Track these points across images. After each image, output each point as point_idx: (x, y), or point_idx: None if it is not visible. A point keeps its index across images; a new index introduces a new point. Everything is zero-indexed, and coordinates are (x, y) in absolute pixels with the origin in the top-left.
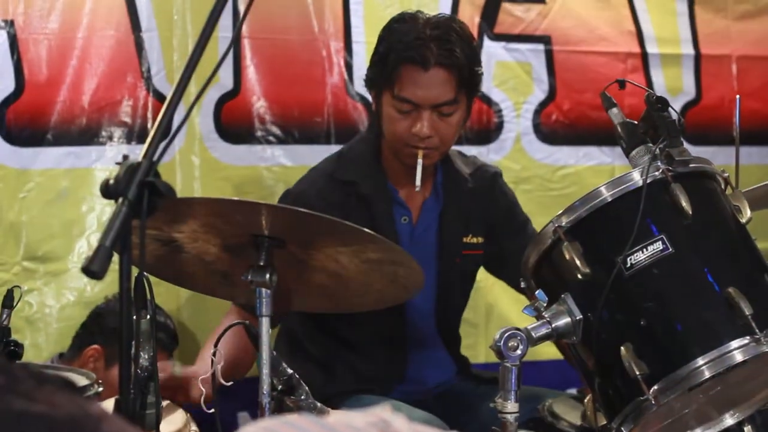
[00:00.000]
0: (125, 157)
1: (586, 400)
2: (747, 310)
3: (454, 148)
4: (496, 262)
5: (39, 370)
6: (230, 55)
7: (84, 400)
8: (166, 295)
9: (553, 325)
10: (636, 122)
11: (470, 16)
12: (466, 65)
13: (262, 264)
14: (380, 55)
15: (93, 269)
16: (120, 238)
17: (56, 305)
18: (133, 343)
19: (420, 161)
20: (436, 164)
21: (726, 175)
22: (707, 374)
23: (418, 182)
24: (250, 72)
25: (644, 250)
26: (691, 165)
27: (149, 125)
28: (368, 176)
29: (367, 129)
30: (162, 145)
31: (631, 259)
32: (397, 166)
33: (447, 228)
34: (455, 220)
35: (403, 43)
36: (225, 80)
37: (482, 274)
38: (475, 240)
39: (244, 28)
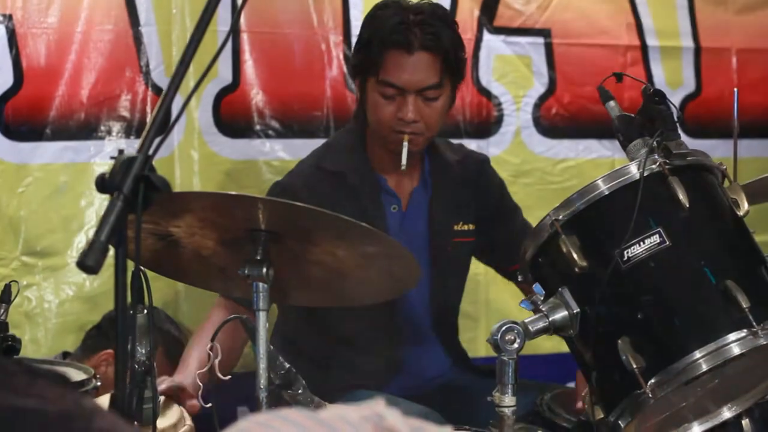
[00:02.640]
0: (121, 152)
1: (583, 394)
2: (744, 303)
3: (449, 139)
4: (486, 249)
5: (32, 365)
6: (229, 49)
7: (77, 395)
8: (164, 289)
9: (551, 319)
10: (633, 115)
11: (470, 9)
12: (451, 49)
13: (258, 258)
14: (364, 42)
15: (88, 264)
16: (115, 232)
17: (55, 300)
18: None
19: (406, 144)
20: (422, 152)
21: (723, 167)
22: (704, 367)
23: (404, 161)
24: (249, 66)
25: (641, 243)
26: (688, 158)
27: (148, 120)
28: (355, 166)
29: (352, 119)
30: (158, 139)
31: (628, 253)
32: (384, 154)
33: (437, 216)
34: (445, 208)
35: (387, 28)
36: (224, 74)
37: (482, 267)
38: (466, 227)
39: (243, 22)
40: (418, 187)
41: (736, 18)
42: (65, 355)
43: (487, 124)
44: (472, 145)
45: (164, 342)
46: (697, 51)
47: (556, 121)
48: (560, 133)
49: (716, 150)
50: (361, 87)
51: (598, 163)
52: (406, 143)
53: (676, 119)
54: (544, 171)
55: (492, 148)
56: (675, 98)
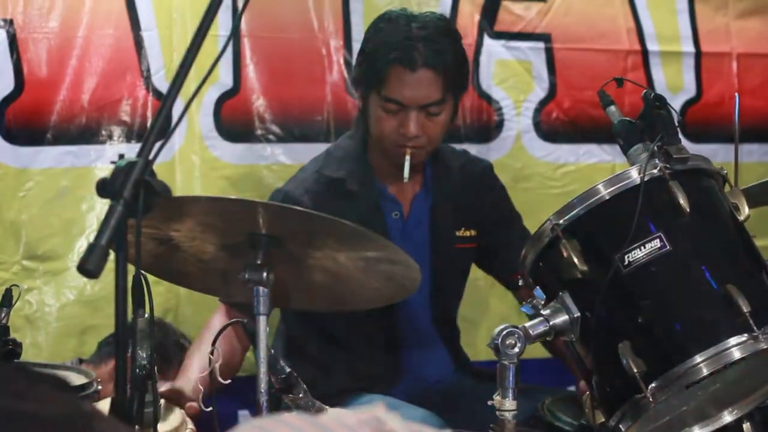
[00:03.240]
0: (121, 156)
1: (584, 398)
2: (745, 308)
3: (451, 144)
4: (486, 257)
5: (33, 369)
6: (230, 54)
7: (77, 399)
8: (165, 294)
9: (551, 323)
10: (634, 120)
11: (470, 14)
12: (454, 65)
13: (259, 263)
14: (366, 55)
15: (88, 268)
16: (115, 236)
17: (56, 304)
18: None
19: (408, 158)
20: (425, 159)
21: (724, 172)
22: (705, 372)
23: (406, 174)
24: (250, 70)
25: (642, 247)
26: (689, 162)
27: (149, 124)
28: (356, 173)
29: (354, 126)
30: (158, 143)
31: (628, 257)
32: (385, 161)
33: (439, 222)
34: (447, 214)
35: (390, 44)
36: (225, 79)
37: (481, 271)
38: (467, 234)
39: (244, 27)
40: (419, 193)
41: (736, 22)
42: (80, 361)
43: (488, 129)
44: (472, 149)
45: (180, 356)
46: (698, 55)
47: (557, 125)
48: (560, 137)
49: (717, 155)
50: (364, 98)
51: (598, 167)
52: (408, 157)
53: (676, 124)
54: (544, 175)
55: (492, 152)
56: (675, 103)
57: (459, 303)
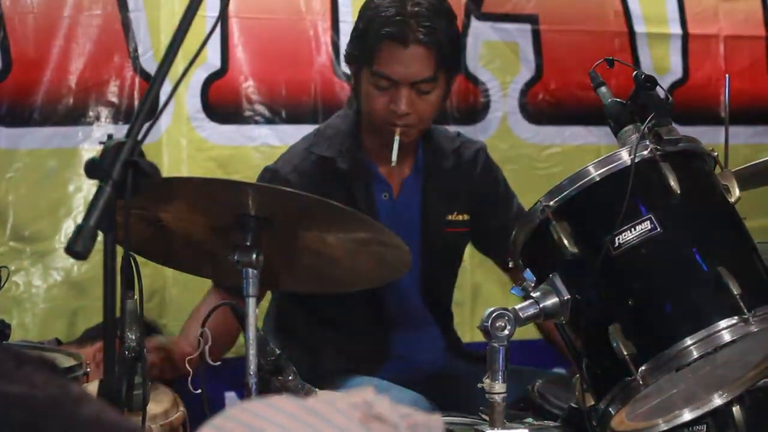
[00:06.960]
0: (110, 137)
1: (574, 381)
2: (735, 290)
3: (438, 125)
4: (483, 239)
5: (20, 350)
6: (218, 35)
7: (64, 380)
8: (153, 275)
9: (541, 305)
10: (624, 101)
11: None
12: (447, 43)
13: (248, 244)
14: (360, 31)
15: (76, 249)
16: (104, 218)
17: (43, 285)
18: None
19: (397, 138)
20: (417, 141)
21: (715, 154)
22: (695, 354)
23: (394, 158)
24: (238, 51)
25: (632, 229)
26: (679, 144)
27: (136, 105)
28: (346, 152)
29: (346, 105)
30: (147, 124)
31: (619, 239)
32: (377, 141)
33: (429, 205)
34: (437, 198)
35: (383, 19)
36: (212, 60)
37: (467, 253)
38: (460, 218)
39: (232, 8)
40: (410, 175)
41: (723, 4)
42: (58, 341)
43: (474, 110)
44: (458, 131)
45: None
46: (685, 37)
47: (543, 107)
48: (546, 119)
49: (703, 137)
50: (356, 75)
51: (584, 149)
52: (397, 137)
53: (667, 105)
54: (530, 157)
55: (478, 134)
56: (662, 85)
57: (453, 286)
